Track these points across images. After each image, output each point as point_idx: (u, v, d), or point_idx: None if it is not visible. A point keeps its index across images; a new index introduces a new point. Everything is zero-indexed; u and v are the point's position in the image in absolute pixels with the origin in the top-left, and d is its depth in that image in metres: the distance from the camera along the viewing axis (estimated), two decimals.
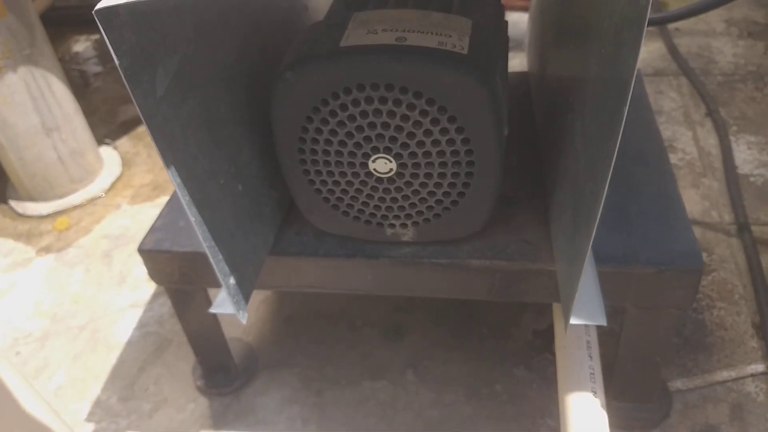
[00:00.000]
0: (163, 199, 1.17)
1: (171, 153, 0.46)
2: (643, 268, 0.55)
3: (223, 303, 0.58)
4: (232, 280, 0.54)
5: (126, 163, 1.27)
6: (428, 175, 0.55)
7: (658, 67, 1.33)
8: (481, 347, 0.83)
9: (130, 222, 1.12)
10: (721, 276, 0.88)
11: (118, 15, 0.40)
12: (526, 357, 0.81)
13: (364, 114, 0.52)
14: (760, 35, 1.40)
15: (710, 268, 0.89)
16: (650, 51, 1.39)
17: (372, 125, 0.53)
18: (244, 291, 0.56)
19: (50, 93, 1.09)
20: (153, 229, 0.68)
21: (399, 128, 0.52)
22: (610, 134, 0.37)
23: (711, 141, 1.12)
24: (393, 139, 0.53)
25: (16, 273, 1.05)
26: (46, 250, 1.09)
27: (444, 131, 0.52)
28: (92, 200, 1.18)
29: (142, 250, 0.66)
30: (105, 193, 1.20)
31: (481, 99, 0.50)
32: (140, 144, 1.33)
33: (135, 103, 0.43)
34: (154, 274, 0.68)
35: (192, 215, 0.48)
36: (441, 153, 0.53)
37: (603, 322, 0.52)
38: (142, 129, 1.36)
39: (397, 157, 0.54)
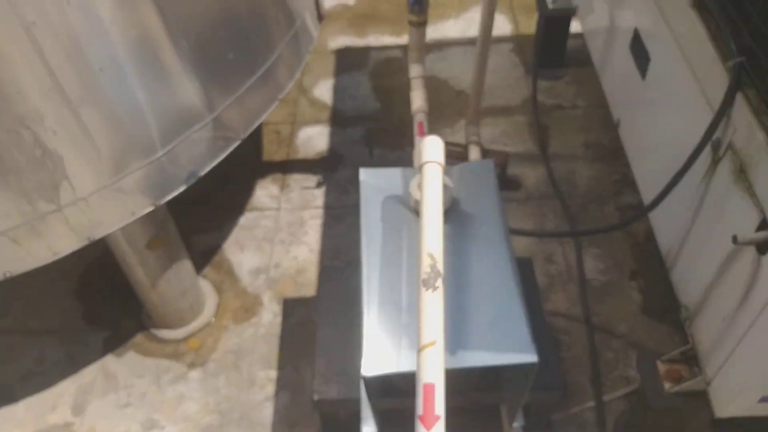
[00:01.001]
0: (255, 319, 1.87)
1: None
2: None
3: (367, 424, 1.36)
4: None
5: (217, 289, 1.95)
6: None
7: (543, 192, 2.14)
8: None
9: (239, 339, 1.83)
10: (573, 352, 1.74)
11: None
12: None
13: None
14: (604, 159, 2.22)
15: (569, 347, 1.75)
16: (537, 176, 2.19)
17: None
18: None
19: (185, 270, 1.75)
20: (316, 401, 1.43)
21: None
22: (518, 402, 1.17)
23: (573, 255, 1.96)
24: None
25: (179, 384, 1.75)
26: (192, 365, 1.79)
27: None
28: (207, 324, 1.87)
29: (316, 401, 1.41)
30: (214, 318, 1.88)
31: None
32: (221, 272, 2.00)
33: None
34: (321, 409, 1.44)
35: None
36: None
37: (522, 423, 1.35)
38: (218, 258, 2.03)
39: None
